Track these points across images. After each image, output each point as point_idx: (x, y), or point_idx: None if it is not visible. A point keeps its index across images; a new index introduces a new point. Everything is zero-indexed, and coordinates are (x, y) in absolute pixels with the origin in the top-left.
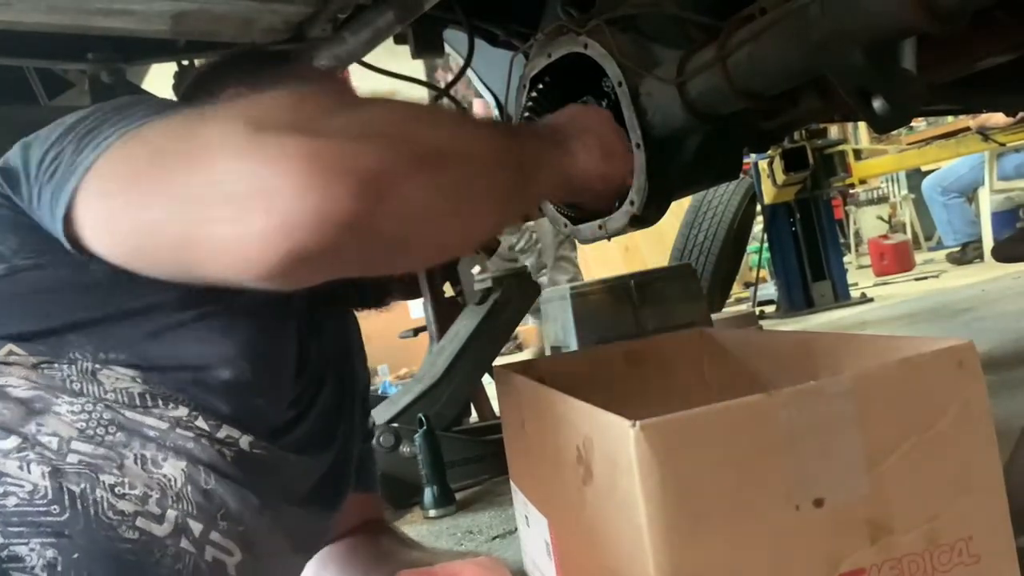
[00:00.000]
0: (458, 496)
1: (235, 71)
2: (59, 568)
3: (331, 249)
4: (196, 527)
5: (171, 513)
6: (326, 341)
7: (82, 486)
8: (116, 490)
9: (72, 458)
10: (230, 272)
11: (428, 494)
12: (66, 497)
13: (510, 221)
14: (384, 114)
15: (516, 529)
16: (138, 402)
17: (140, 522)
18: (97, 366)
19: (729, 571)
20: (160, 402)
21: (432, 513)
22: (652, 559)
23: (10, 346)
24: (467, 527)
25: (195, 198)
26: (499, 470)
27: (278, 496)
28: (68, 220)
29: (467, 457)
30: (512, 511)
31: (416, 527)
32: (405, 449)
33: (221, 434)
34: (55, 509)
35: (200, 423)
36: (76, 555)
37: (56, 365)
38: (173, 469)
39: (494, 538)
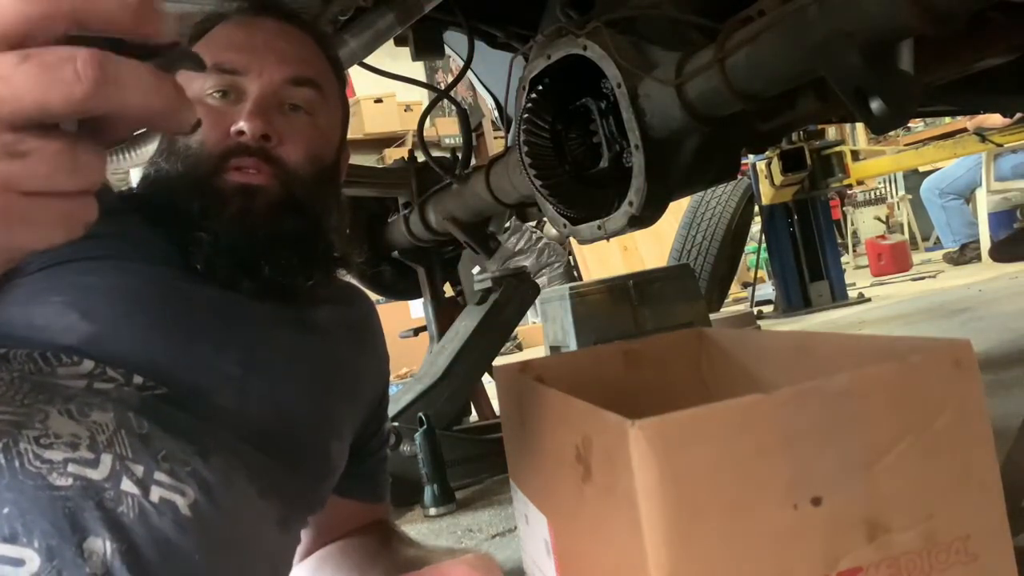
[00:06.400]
0: (458, 495)
1: None
2: None
3: None
4: (137, 468)
5: (106, 457)
6: (303, 326)
7: (4, 441)
8: (41, 441)
9: None
10: None
11: (428, 493)
12: None
13: None
14: None
15: (515, 528)
16: (44, 366)
17: (72, 468)
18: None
19: (727, 569)
20: (64, 357)
21: (432, 512)
22: (650, 557)
23: None
24: (467, 526)
25: None
26: (499, 469)
27: (225, 438)
28: None
29: (467, 456)
30: (511, 510)
31: (416, 526)
32: (405, 448)
33: (137, 380)
34: None
35: (111, 372)
36: (6, 510)
37: None
38: (102, 416)
39: (494, 536)
